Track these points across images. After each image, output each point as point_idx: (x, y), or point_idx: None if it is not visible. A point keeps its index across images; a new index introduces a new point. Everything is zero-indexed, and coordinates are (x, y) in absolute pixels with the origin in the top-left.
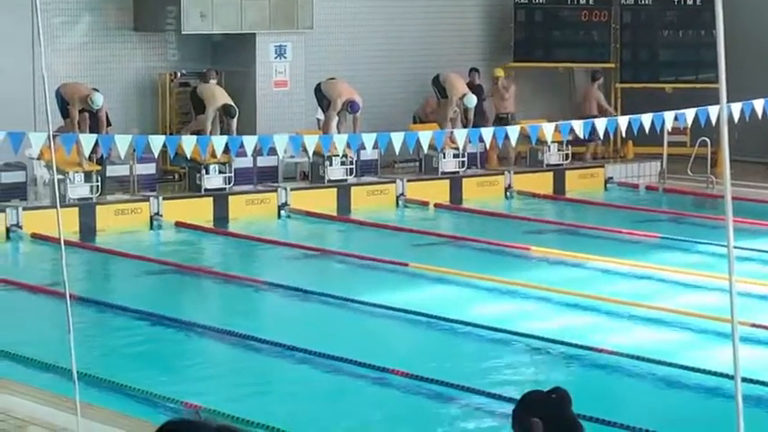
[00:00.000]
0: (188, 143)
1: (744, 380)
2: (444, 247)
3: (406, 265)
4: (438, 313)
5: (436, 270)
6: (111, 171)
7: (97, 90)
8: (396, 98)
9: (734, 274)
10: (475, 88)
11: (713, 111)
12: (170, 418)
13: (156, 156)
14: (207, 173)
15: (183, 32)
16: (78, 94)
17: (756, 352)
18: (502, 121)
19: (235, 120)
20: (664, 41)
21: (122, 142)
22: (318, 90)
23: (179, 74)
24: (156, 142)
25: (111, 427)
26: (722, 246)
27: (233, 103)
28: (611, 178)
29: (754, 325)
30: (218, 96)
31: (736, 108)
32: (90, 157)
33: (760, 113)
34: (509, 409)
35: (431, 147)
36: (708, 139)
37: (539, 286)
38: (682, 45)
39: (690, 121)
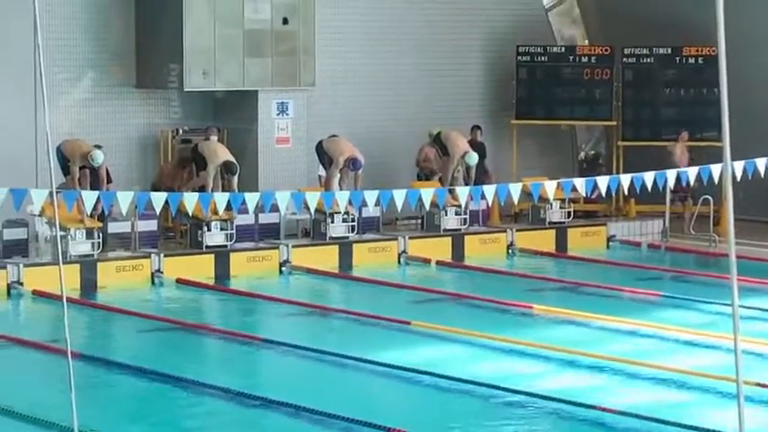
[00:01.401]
0: (190, 200)
1: None
2: (446, 304)
3: (408, 323)
4: (440, 371)
5: (438, 328)
6: (113, 228)
7: (99, 147)
8: (397, 155)
9: (738, 332)
10: (477, 145)
11: (715, 169)
12: None
13: (158, 213)
14: (209, 230)
15: (185, 89)
16: (79, 151)
17: (761, 412)
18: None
19: (236, 177)
20: (666, 99)
21: (124, 199)
22: (320, 148)
23: (180, 131)
24: (158, 199)
25: None
26: (725, 305)
27: (234, 160)
28: (614, 236)
29: (759, 384)
30: (219, 153)
31: (739, 166)
32: (91, 213)
33: (762, 172)
34: None
35: (433, 204)
36: (710, 198)
37: (541, 345)
38: (684, 103)
39: (692, 180)
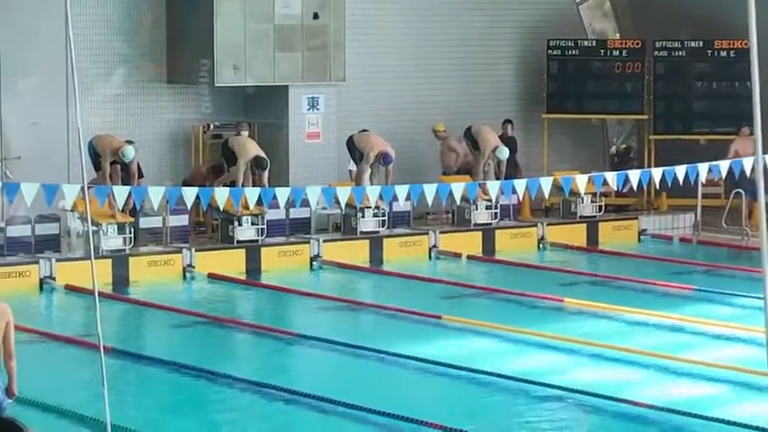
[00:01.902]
0: (221, 195)
1: None
2: (477, 299)
3: (439, 317)
4: (471, 365)
5: (469, 322)
6: (145, 223)
7: (131, 142)
8: (428, 150)
9: None
10: (508, 140)
11: (747, 162)
12: None
13: (189, 208)
14: (240, 225)
15: (216, 85)
16: (110, 147)
17: None
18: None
19: (266, 172)
20: (697, 93)
21: (155, 194)
22: (351, 143)
23: (212, 126)
24: (190, 194)
25: None
26: (757, 298)
27: (264, 155)
28: (645, 230)
29: None
30: (249, 149)
31: None
32: (123, 208)
33: None
34: None
35: (463, 198)
36: (742, 191)
37: (572, 339)
38: (716, 96)
39: (724, 173)
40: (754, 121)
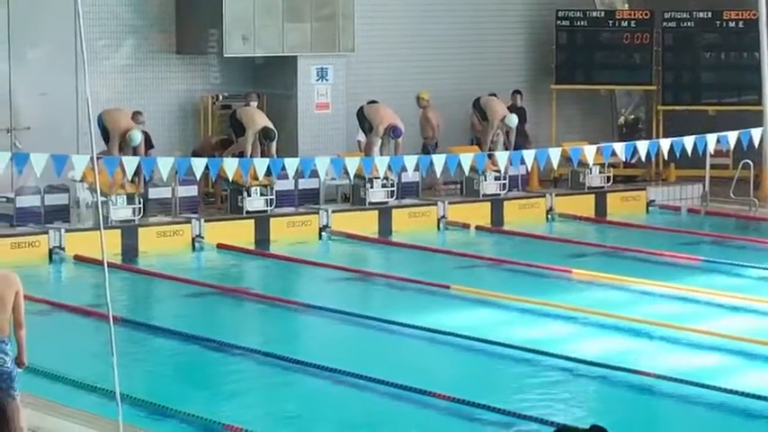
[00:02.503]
0: (230, 166)
1: None
2: (486, 269)
3: (448, 287)
4: (480, 336)
5: (478, 292)
6: (154, 193)
7: (140, 113)
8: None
9: None
10: (517, 110)
11: (756, 133)
12: None
13: (198, 178)
14: (248, 195)
15: (224, 55)
16: (118, 130)
17: None
18: (424, 146)
19: (274, 143)
20: (706, 63)
21: (164, 165)
22: (361, 113)
23: (221, 96)
24: (199, 164)
25: None
26: (765, 268)
27: (272, 127)
28: (653, 201)
29: None
30: (257, 120)
31: None
32: (133, 179)
33: None
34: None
35: (472, 169)
36: (751, 162)
37: (580, 309)
38: (724, 67)
39: (732, 144)
40: (762, 92)
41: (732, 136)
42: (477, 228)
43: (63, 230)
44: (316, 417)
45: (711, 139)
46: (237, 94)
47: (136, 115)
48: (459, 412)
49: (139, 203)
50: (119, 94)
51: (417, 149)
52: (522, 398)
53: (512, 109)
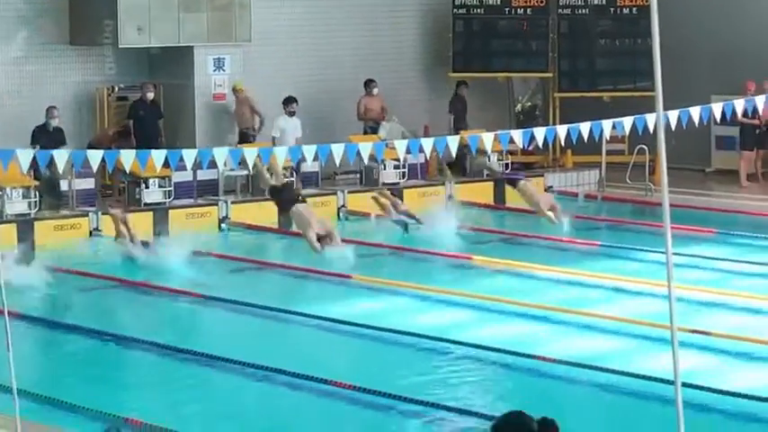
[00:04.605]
0: (127, 157)
1: (684, 385)
2: (387, 257)
3: (349, 276)
4: (381, 324)
5: (378, 281)
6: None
7: (54, 108)
8: (339, 109)
9: (672, 280)
10: (458, 99)
11: (651, 119)
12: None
13: (95, 170)
14: (147, 187)
15: (119, 46)
16: None
17: (696, 357)
18: (243, 136)
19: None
20: (601, 50)
21: (60, 157)
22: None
23: (116, 88)
24: (95, 157)
25: None
26: (661, 253)
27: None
28: (551, 187)
29: (693, 331)
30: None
31: (673, 116)
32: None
33: (697, 121)
34: (455, 419)
35: (371, 158)
36: (646, 147)
37: (480, 296)
38: (619, 54)
39: (628, 130)
40: (655, 78)
41: (627, 122)
42: (378, 216)
43: None
44: (215, 408)
45: (607, 125)
46: (134, 86)
47: (51, 110)
48: (362, 401)
49: (35, 197)
50: (12, 86)
51: (317, 136)
52: (425, 385)
53: (455, 99)
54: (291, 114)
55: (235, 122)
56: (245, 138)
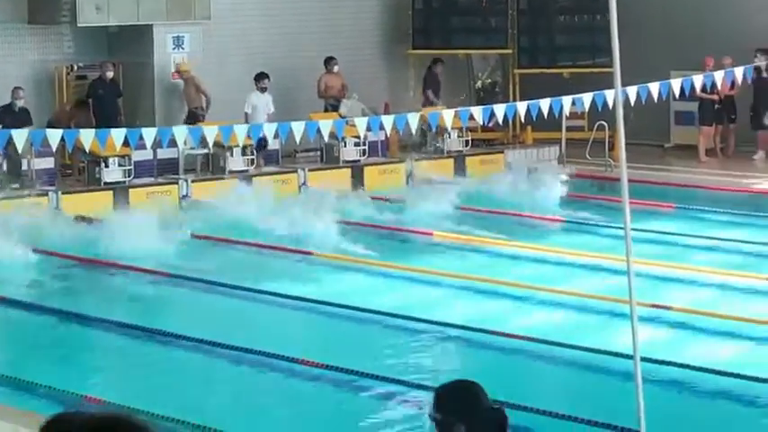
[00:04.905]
0: (86, 137)
1: (643, 359)
2: (349, 234)
3: (310, 253)
4: (343, 302)
5: (341, 258)
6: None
7: (20, 89)
8: (300, 86)
9: (631, 255)
10: (432, 76)
11: (610, 95)
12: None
13: (55, 149)
14: (106, 166)
15: (78, 25)
16: None
17: (656, 332)
18: (192, 116)
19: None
20: (560, 27)
21: (19, 137)
22: None
23: (75, 67)
24: (54, 136)
25: (11, 425)
26: (621, 228)
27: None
28: (511, 163)
29: (653, 305)
30: None
31: (632, 91)
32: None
33: (656, 96)
34: (420, 395)
35: (332, 135)
36: (605, 123)
37: (442, 272)
38: (577, 30)
39: (587, 106)
40: (613, 54)
41: (587, 98)
42: (339, 192)
43: None
44: (181, 388)
45: (567, 101)
46: (93, 64)
47: (16, 90)
48: (328, 378)
49: None
50: None
51: (283, 117)
52: (388, 362)
53: (429, 76)
54: (263, 90)
55: (184, 102)
56: (195, 117)
